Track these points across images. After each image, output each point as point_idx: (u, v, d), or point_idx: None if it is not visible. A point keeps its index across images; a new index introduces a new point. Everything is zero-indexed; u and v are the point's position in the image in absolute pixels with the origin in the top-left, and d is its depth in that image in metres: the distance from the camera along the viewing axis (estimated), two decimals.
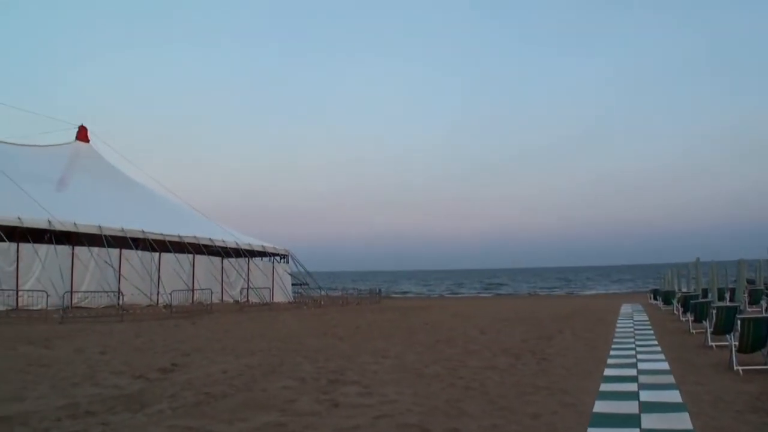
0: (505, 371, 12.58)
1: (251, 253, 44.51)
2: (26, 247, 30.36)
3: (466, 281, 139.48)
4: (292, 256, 48.18)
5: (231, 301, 40.60)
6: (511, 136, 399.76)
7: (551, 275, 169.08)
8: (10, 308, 28.08)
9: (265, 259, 46.62)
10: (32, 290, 28.85)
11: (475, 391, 10.46)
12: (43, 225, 30.91)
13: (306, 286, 48.62)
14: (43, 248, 30.86)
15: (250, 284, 42.48)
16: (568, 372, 12.35)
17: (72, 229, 32.13)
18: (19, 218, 29.92)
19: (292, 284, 48.59)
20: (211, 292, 36.89)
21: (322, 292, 48.47)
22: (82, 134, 47.00)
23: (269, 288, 43.23)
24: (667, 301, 31.99)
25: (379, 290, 61.06)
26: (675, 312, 27.38)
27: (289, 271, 48.03)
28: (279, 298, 44.16)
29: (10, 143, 41.27)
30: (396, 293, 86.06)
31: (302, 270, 48.54)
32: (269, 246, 46.48)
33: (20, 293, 29.26)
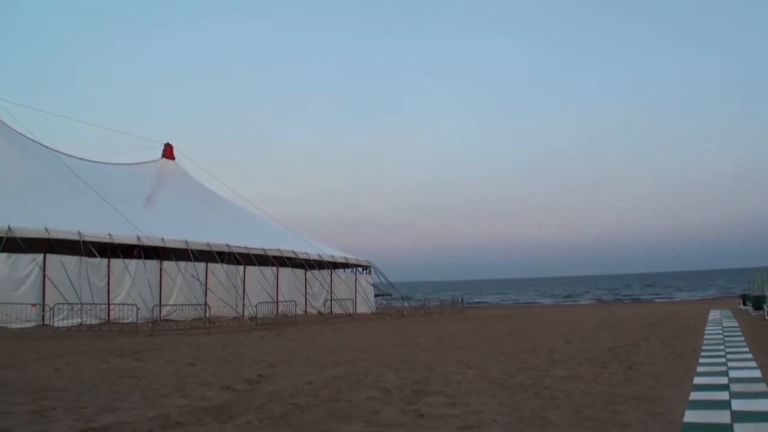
0: (590, 380, 12.32)
1: (334, 265, 44.90)
2: (117, 263, 31.35)
3: (546, 289, 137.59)
4: (374, 267, 48.42)
5: (315, 312, 40.98)
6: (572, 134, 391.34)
7: (633, 281, 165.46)
8: (102, 321, 28.96)
9: (348, 270, 46.95)
10: (123, 304, 29.69)
11: (560, 401, 10.26)
12: (133, 241, 31.86)
13: (388, 297, 48.73)
14: (132, 263, 31.81)
15: (334, 295, 42.81)
16: (656, 381, 12.02)
17: (160, 244, 33.03)
18: (109, 235, 30.92)
19: (375, 295, 48.79)
20: (295, 304, 37.30)
21: (405, 303, 48.48)
22: (168, 152, 48.28)
23: (352, 299, 43.48)
24: (758, 305, 30.95)
25: (461, 300, 60.71)
26: (766, 317, 26.44)
27: (371, 282, 48.26)
28: (362, 309, 44.40)
29: (101, 162, 42.73)
30: (476, 302, 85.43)
31: (384, 281, 48.72)
32: (351, 257, 46.79)
33: (111, 307, 30.19)
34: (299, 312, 37.69)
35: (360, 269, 47.58)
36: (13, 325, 26.35)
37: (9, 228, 27.82)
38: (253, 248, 37.57)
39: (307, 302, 41.59)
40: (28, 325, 27.02)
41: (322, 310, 41.21)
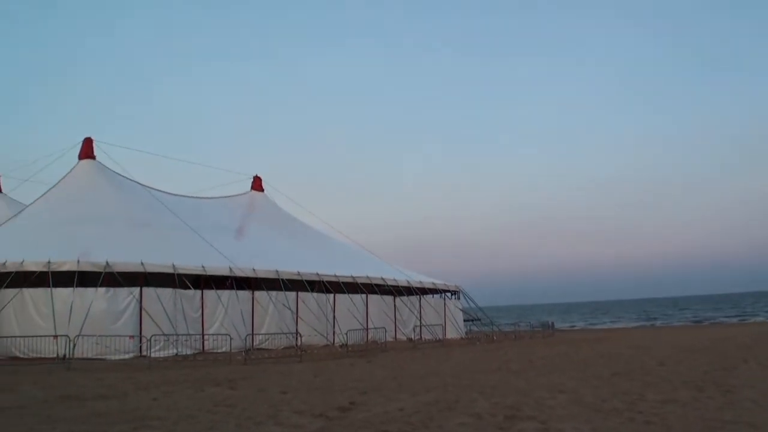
0: (687, 404, 11.94)
1: (422, 291, 44.82)
2: (210, 294, 32.07)
3: (637, 310, 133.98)
4: (462, 292, 48.12)
5: (404, 338, 40.94)
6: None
7: (722, 301, 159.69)
8: (197, 351, 29.59)
9: (437, 296, 46.80)
10: (217, 334, 30.30)
11: (656, 426, 9.98)
12: (225, 272, 32.56)
13: (478, 322, 48.33)
14: (225, 294, 32.48)
15: (423, 321, 42.71)
16: (757, 405, 11.57)
17: (251, 274, 33.65)
18: (203, 267, 31.68)
19: (464, 320, 48.47)
20: (385, 331, 37.36)
21: (494, 327, 48.03)
22: (257, 184, 49.24)
23: (441, 324, 43.29)
24: None
25: (552, 323, 59.76)
26: None
27: (460, 307, 47.98)
28: (451, 334, 44.17)
29: (193, 197, 43.95)
30: (567, 325, 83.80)
31: (473, 305, 48.36)
32: (440, 283, 46.65)
33: (206, 337, 30.84)
34: (389, 338, 37.73)
35: (449, 294, 47.39)
36: (113, 357, 27.17)
37: (107, 263, 28.84)
38: (342, 276, 37.91)
39: (397, 328, 41.60)
40: (126, 356, 27.82)
41: (412, 336, 41.14)
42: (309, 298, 35.75)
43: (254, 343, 31.41)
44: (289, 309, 34.46)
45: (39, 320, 28.10)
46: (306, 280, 35.72)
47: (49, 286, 27.99)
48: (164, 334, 28.60)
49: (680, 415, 10.86)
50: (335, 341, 34.92)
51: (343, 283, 37.86)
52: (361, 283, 38.94)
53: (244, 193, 48.50)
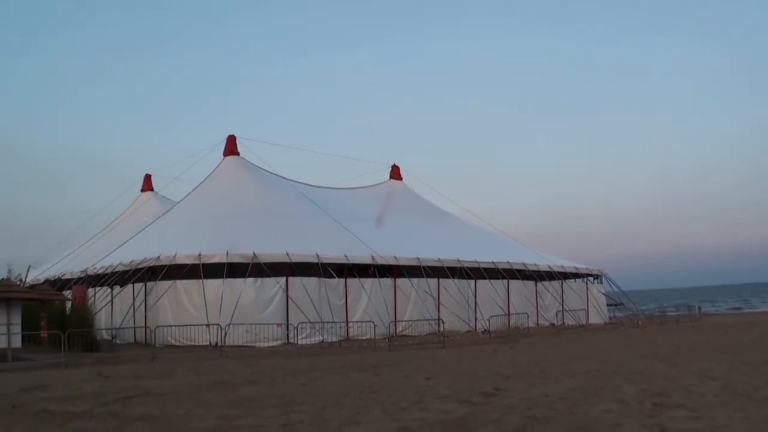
0: None
1: (564, 275, 43.99)
2: (353, 282, 32.66)
3: None
4: (605, 276, 46.89)
5: (546, 324, 40.30)
6: None
7: None
8: (341, 338, 30.21)
9: (579, 280, 45.80)
10: (360, 321, 30.79)
11: None
12: (367, 260, 33.06)
13: (621, 306, 46.98)
14: (368, 282, 32.99)
15: (565, 306, 41.91)
16: None
17: (393, 262, 34.02)
18: (345, 256, 32.28)
19: (607, 305, 47.23)
20: (527, 316, 36.90)
21: (639, 312, 46.48)
22: (395, 173, 49.62)
23: (584, 309, 42.35)
24: None
25: (699, 307, 57.28)
26: None
27: (603, 291, 46.78)
28: (594, 319, 43.15)
29: (334, 188, 44.84)
30: (710, 310, 80.00)
31: (616, 290, 47.04)
32: (582, 267, 45.63)
33: (350, 324, 31.42)
34: (531, 324, 37.25)
35: (591, 279, 46.27)
36: (262, 344, 28.14)
37: (254, 254, 29.89)
38: (483, 262, 37.69)
39: (539, 314, 40.99)
40: (274, 343, 28.76)
41: (554, 322, 40.45)
42: (450, 284, 35.76)
43: (397, 330, 31.77)
44: (431, 296, 34.59)
45: (192, 310, 29.48)
46: (447, 267, 35.75)
47: (200, 278, 29.32)
48: (310, 322, 29.36)
49: None
50: (477, 327, 34.80)
51: (484, 269, 37.65)
52: (502, 269, 38.62)
53: (383, 182, 49.00)
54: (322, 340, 29.51)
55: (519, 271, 39.76)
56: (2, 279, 35.72)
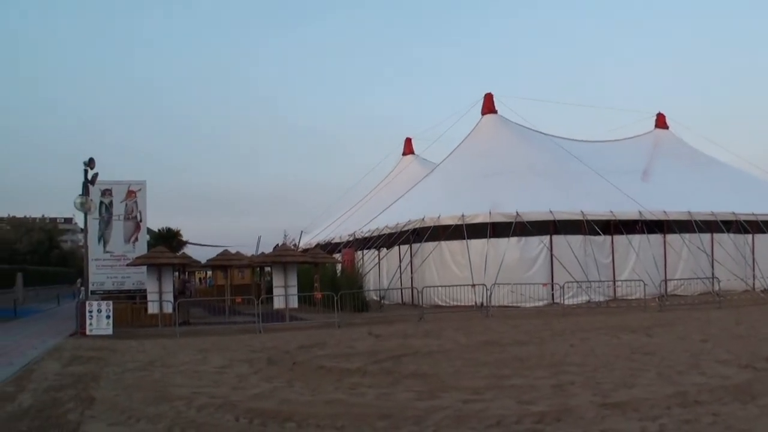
0: None
1: None
2: (620, 239, 31.61)
3: None
4: None
5: None
6: None
7: None
8: (609, 298, 29.50)
9: None
10: (629, 280, 29.80)
11: None
12: (634, 216, 31.80)
13: None
14: (635, 239, 31.75)
15: None
16: None
17: (662, 217, 32.44)
18: (611, 212, 31.29)
19: None
20: None
21: None
22: (661, 121, 47.18)
23: None
24: None
25: None
26: None
27: None
28: None
29: (595, 141, 43.54)
30: None
31: None
32: None
33: (617, 283, 30.53)
34: None
35: None
36: (526, 304, 28.17)
37: (517, 213, 29.84)
38: (761, 214, 34.75)
39: None
40: (539, 303, 28.66)
41: None
42: (725, 239, 33.49)
43: (668, 289, 30.38)
44: (704, 252, 32.64)
45: (456, 270, 30.14)
46: (721, 221, 33.50)
47: (464, 238, 29.83)
48: (576, 281, 28.92)
49: None
50: (756, 286, 32.40)
51: (762, 221, 34.76)
52: None
53: (648, 132, 46.78)
54: (589, 300, 28.97)
55: None
56: (278, 244, 38.80)
